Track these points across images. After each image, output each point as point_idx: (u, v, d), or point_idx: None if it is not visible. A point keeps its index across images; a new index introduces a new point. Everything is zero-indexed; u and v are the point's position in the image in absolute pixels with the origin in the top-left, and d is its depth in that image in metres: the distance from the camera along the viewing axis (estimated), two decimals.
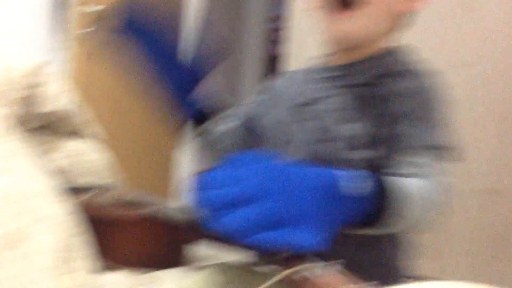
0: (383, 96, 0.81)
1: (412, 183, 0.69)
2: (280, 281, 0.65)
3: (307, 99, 0.88)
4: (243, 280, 0.67)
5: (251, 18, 4.10)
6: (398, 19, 0.87)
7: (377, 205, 0.64)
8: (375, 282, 0.56)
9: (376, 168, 0.80)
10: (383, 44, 0.88)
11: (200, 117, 0.93)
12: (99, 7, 2.37)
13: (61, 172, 0.97)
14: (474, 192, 1.57)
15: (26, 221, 0.55)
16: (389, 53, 0.87)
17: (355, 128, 0.81)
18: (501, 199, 1.54)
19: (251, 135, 0.98)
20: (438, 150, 0.78)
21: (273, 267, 0.69)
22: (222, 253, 0.83)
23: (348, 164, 0.80)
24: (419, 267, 0.94)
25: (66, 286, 0.53)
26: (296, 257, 0.65)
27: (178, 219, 0.77)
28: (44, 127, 0.98)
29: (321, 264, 0.64)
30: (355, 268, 0.84)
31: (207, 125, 0.93)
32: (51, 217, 0.57)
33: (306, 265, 0.63)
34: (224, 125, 0.98)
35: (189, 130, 0.95)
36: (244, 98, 4.04)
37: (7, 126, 0.69)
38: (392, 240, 0.89)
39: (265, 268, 0.70)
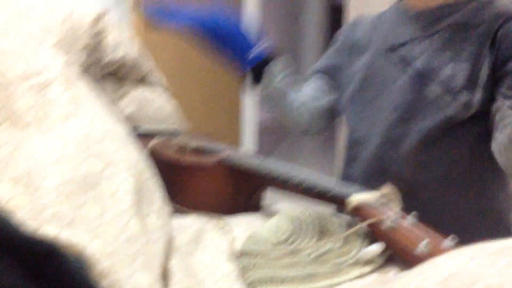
0: (482, 38, 0.77)
1: None
2: (355, 231, 0.63)
3: (398, 42, 0.85)
4: (312, 229, 0.65)
5: None
6: None
7: None
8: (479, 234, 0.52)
9: (473, 111, 0.77)
10: None
11: (258, 69, 0.90)
12: None
13: (128, 118, 0.97)
14: None
15: (99, 164, 0.55)
16: None
17: (452, 70, 0.78)
18: None
19: (333, 85, 0.96)
20: None
21: (345, 217, 0.67)
22: (291, 201, 0.82)
23: (447, 109, 0.78)
24: None
25: (149, 227, 0.53)
26: (370, 207, 0.62)
27: (247, 166, 0.76)
28: (110, 74, 0.98)
29: (399, 214, 0.61)
30: (468, 219, 0.82)
31: (269, 77, 0.90)
32: (123, 160, 0.57)
33: (386, 215, 0.60)
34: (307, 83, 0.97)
35: (250, 81, 0.93)
36: (308, 49, 3.93)
37: (74, 72, 0.68)
38: (505, 189, 0.86)
39: (335, 218, 0.68)
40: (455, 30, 0.81)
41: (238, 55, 0.89)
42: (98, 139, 0.57)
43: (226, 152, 0.81)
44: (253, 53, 0.88)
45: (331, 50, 1.00)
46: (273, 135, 3.93)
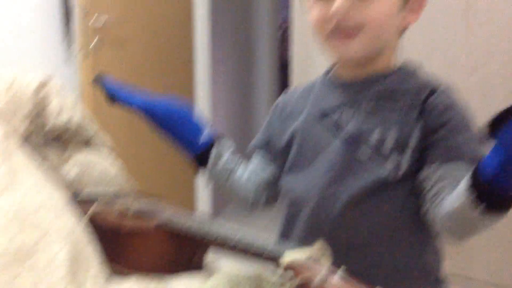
0: (409, 107, 0.84)
1: None
2: None
3: (329, 109, 0.91)
4: None
5: (263, 24, 4.12)
6: (397, 34, 0.90)
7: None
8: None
9: (404, 176, 0.83)
10: (392, 58, 0.91)
11: (204, 153, 0.95)
12: (102, 20, 2.40)
13: (72, 183, 0.98)
14: None
15: (34, 235, 0.56)
16: (404, 68, 0.91)
17: (381, 134, 0.84)
18: None
19: (272, 158, 1.00)
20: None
21: (282, 275, 0.70)
22: (231, 261, 0.84)
23: (377, 171, 0.83)
24: (448, 263, 0.95)
25: None
26: (301, 265, 0.65)
27: (186, 228, 0.78)
28: (54, 139, 0.99)
29: (329, 270, 0.64)
30: (399, 274, 0.86)
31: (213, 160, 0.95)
32: (59, 230, 0.58)
33: (315, 273, 0.63)
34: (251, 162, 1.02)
35: (196, 166, 0.98)
36: (258, 103, 4.00)
37: (12, 142, 0.70)
38: (432, 245, 0.91)
39: (274, 278, 0.70)
40: (381, 98, 0.88)
41: (186, 142, 0.94)
42: (34, 210, 0.58)
43: (167, 214, 0.83)
44: (199, 140, 0.92)
45: (266, 124, 1.05)
46: None
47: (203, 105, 3.08)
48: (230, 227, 0.78)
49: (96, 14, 2.34)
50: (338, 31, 0.85)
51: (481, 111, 1.55)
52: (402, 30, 0.91)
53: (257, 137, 1.05)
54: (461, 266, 1.54)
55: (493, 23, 1.55)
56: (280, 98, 1.05)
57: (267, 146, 1.02)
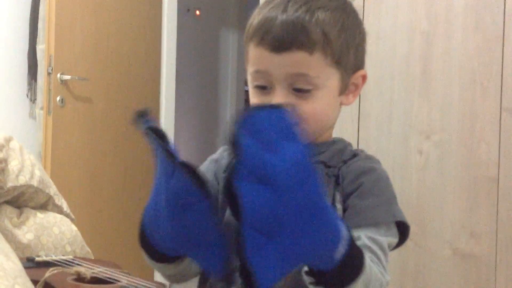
0: (337, 176, 0.85)
1: (374, 270, 0.70)
2: None
3: None
4: None
5: (228, 66, 4.18)
6: (336, 114, 0.91)
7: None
8: None
9: None
10: (330, 132, 0.92)
11: None
12: (68, 77, 2.41)
13: (27, 246, 0.96)
14: (447, 256, 1.59)
15: None
16: (337, 142, 0.91)
17: None
18: (471, 262, 1.56)
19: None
20: (392, 224, 0.81)
21: None
22: None
23: None
24: None
25: None
26: None
27: None
28: (8, 202, 0.97)
29: None
30: None
31: None
32: None
33: None
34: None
35: None
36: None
37: None
38: None
39: None
40: (318, 168, 0.88)
41: None
42: None
43: (124, 281, 0.81)
44: None
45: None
46: None
47: None
48: None
49: (60, 73, 2.35)
50: None
51: (437, 171, 1.60)
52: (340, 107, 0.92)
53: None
54: None
55: (450, 87, 1.63)
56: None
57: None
